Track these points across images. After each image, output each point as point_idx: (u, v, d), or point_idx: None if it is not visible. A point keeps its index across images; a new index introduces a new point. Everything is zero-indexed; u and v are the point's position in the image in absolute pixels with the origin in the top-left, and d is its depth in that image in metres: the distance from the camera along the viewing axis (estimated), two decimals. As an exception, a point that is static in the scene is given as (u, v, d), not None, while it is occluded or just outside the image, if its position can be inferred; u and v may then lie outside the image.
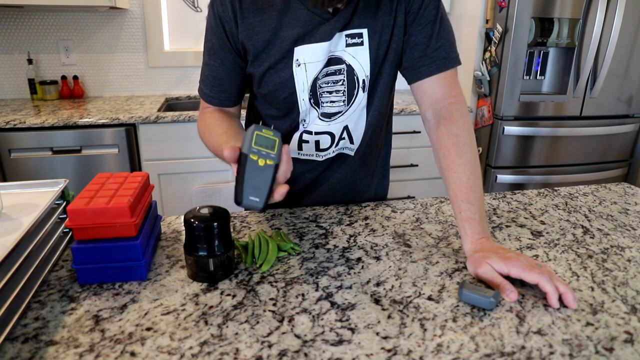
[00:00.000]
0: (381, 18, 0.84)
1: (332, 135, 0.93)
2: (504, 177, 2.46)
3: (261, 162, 0.64)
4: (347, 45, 0.84)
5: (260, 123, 0.99)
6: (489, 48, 2.37)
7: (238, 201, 0.62)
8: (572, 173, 2.53)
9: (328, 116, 0.91)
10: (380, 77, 0.89)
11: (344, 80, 0.87)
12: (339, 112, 0.90)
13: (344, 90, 0.88)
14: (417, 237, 0.84)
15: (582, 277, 0.71)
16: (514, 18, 2.18)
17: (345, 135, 0.94)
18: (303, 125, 0.93)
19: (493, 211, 0.97)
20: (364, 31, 0.84)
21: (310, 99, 0.88)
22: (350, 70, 0.86)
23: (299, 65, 0.84)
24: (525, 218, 0.94)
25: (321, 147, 0.94)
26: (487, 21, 2.38)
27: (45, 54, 2.41)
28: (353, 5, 0.82)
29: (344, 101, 0.89)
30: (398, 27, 0.85)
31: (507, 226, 0.90)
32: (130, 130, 2.02)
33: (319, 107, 0.90)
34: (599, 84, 2.33)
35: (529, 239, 0.84)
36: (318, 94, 0.88)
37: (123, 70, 2.52)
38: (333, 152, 0.96)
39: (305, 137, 0.93)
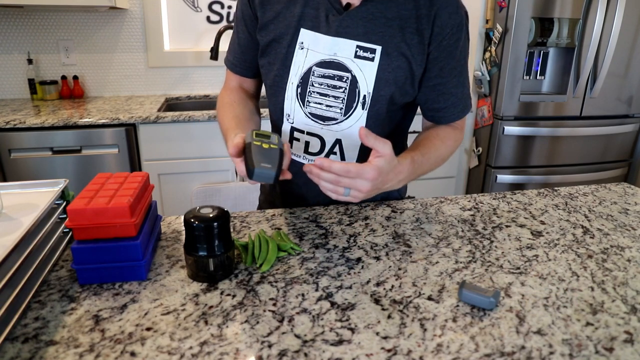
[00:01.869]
0: (399, 44, 0.83)
1: (322, 140, 0.92)
2: (504, 177, 2.46)
3: (265, 146, 0.68)
4: (357, 56, 0.84)
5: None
6: (489, 48, 2.37)
7: (250, 170, 0.66)
8: (572, 173, 2.53)
9: (322, 119, 0.90)
10: (382, 100, 0.87)
11: (345, 89, 0.86)
12: (335, 119, 0.89)
13: (344, 99, 0.87)
14: (417, 237, 0.84)
15: (582, 277, 0.71)
16: (514, 18, 2.18)
17: (337, 150, 0.93)
18: (288, 120, 0.92)
19: (493, 211, 0.97)
20: (378, 48, 0.83)
21: (298, 87, 0.88)
22: (354, 81, 0.85)
23: (302, 48, 0.85)
24: (525, 218, 0.94)
25: (310, 150, 0.94)
26: (487, 21, 2.38)
27: (45, 54, 2.41)
28: (373, 19, 0.82)
29: (341, 109, 0.88)
30: (414, 61, 0.84)
31: (507, 226, 0.90)
32: (130, 130, 2.02)
33: (304, 105, 0.89)
34: (599, 84, 2.33)
35: (529, 239, 0.84)
36: (307, 89, 0.87)
37: (123, 70, 2.52)
38: None
39: (296, 134, 0.93)
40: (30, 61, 2.34)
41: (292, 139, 0.95)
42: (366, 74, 0.85)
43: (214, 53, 2.36)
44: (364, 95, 0.86)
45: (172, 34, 2.52)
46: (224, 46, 2.39)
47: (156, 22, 2.44)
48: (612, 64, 2.30)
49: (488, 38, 2.37)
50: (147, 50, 2.49)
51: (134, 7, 2.41)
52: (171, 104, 2.50)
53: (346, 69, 0.85)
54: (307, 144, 0.93)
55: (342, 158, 0.94)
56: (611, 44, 2.24)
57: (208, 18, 2.51)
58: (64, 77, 2.43)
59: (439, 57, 0.85)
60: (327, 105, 0.88)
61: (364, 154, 0.91)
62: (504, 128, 2.36)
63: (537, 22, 2.21)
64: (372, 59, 0.84)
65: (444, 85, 0.88)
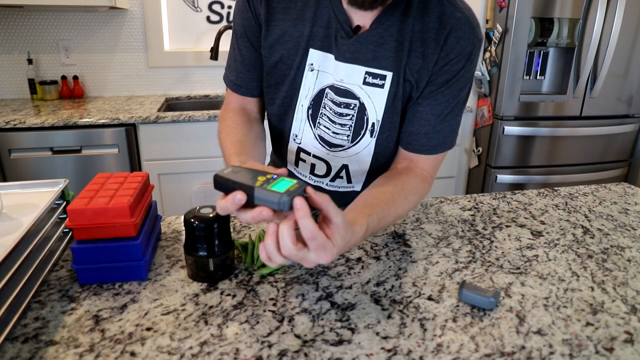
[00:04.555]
0: (404, 68, 0.77)
1: (328, 165, 0.89)
2: (504, 177, 2.46)
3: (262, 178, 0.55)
4: (365, 83, 0.78)
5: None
6: (489, 48, 2.37)
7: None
8: (572, 173, 2.53)
9: (328, 144, 0.86)
10: (392, 128, 0.83)
11: (353, 116, 0.82)
12: (342, 146, 0.86)
13: (351, 126, 0.83)
14: (417, 237, 0.84)
15: (582, 277, 0.71)
16: (514, 18, 2.18)
17: (343, 174, 0.90)
18: (295, 140, 0.88)
19: (493, 211, 0.97)
20: (389, 74, 0.77)
21: (309, 109, 0.84)
22: (362, 109, 0.81)
23: (312, 70, 0.80)
24: (525, 218, 0.94)
25: (316, 172, 0.92)
26: (487, 21, 2.39)
27: (45, 54, 2.40)
28: (383, 44, 0.76)
29: (348, 136, 0.84)
30: (416, 87, 0.79)
31: (507, 226, 0.90)
32: (130, 130, 2.02)
33: (314, 126, 0.85)
34: (599, 84, 2.33)
35: (529, 239, 0.84)
36: (320, 110, 0.83)
37: (123, 70, 2.52)
38: (327, 185, 0.93)
39: (302, 155, 0.90)
40: (30, 61, 2.34)
41: (298, 159, 0.92)
42: (375, 101, 0.79)
43: (214, 53, 2.36)
44: (373, 123, 0.82)
45: (172, 34, 2.52)
46: (223, 46, 2.39)
47: (156, 22, 2.44)
48: (612, 64, 2.30)
49: (488, 38, 2.37)
50: (147, 50, 2.49)
51: (134, 7, 2.41)
52: (171, 104, 2.50)
53: (354, 96, 0.80)
54: (313, 165, 0.91)
55: (349, 182, 0.92)
56: (611, 44, 2.24)
57: (208, 18, 2.51)
58: (64, 77, 2.43)
59: (433, 81, 0.78)
60: (333, 132, 0.84)
61: (371, 178, 0.85)
62: (504, 128, 2.36)
63: (537, 22, 2.21)
64: (381, 86, 0.78)
65: (422, 107, 0.79)
